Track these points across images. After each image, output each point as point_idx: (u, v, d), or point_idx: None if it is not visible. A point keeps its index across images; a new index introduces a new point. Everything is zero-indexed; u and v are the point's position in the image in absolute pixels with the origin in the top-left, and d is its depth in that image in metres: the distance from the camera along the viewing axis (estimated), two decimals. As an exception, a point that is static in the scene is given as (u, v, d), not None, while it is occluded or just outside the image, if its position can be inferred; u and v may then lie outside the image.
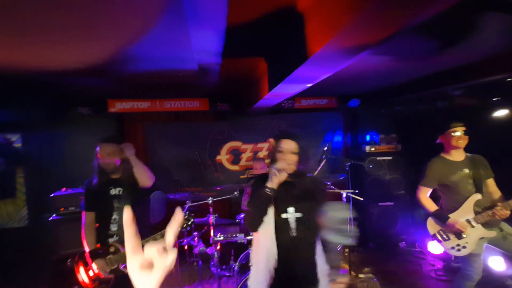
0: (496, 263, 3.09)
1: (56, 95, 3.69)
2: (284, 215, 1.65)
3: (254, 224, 1.67)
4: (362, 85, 4.13)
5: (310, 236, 1.67)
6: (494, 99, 3.48)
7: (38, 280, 3.59)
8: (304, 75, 2.02)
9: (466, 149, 2.57)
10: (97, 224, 2.27)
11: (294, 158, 1.64)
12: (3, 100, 3.35)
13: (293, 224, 1.64)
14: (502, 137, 3.35)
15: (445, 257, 3.82)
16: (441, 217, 2.52)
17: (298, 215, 1.66)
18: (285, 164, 1.61)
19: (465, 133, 2.49)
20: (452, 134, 2.49)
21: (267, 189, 1.59)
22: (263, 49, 2.32)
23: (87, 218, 2.26)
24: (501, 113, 3.44)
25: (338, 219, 1.43)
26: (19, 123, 3.90)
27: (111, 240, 2.22)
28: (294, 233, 1.63)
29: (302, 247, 1.65)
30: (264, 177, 1.71)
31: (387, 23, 1.12)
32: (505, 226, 2.51)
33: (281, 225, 1.64)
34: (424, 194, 2.61)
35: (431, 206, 2.57)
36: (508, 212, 2.31)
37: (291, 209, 1.66)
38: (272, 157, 1.71)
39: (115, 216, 2.22)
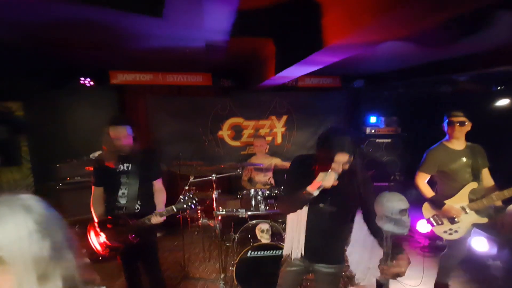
0: (479, 244, 3.31)
1: (57, 64, 3.62)
2: (321, 205, 1.73)
3: (287, 212, 1.82)
4: (367, 66, 4.09)
5: (341, 225, 1.81)
6: (497, 88, 3.51)
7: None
8: (315, 61, 2.01)
9: (467, 137, 2.60)
10: (105, 197, 2.36)
11: (345, 167, 1.59)
12: (4, 68, 3.28)
13: (326, 215, 1.73)
14: (503, 126, 3.41)
15: (431, 236, 4.06)
16: (437, 203, 2.60)
17: (333, 208, 1.72)
18: (333, 180, 1.54)
19: (463, 123, 2.51)
20: (450, 122, 2.53)
21: (308, 193, 1.57)
22: (273, 31, 2.27)
23: (96, 191, 2.34)
24: (503, 102, 3.48)
25: (395, 210, 1.43)
26: (20, 91, 3.84)
27: (120, 213, 2.33)
28: (327, 222, 1.73)
29: (332, 231, 1.78)
30: (307, 160, 1.74)
31: (412, 24, 1.12)
32: (493, 213, 2.64)
33: (316, 212, 1.74)
34: (422, 180, 2.66)
35: (428, 192, 2.64)
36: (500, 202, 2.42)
37: (328, 199, 1.72)
38: (322, 162, 1.62)
39: (123, 190, 2.30)
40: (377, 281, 2.59)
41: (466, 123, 2.52)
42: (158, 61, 3.52)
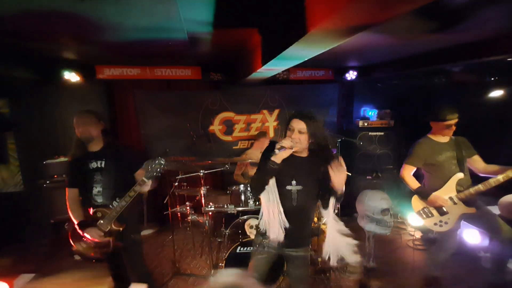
0: (471, 236, 3.30)
1: (42, 59, 3.52)
2: (288, 187, 1.79)
3: (256, 191, 1.83)
4: (359, 58, 4.01)
5: (308, 205, 1.85)
6: (491, 79, 3.45)
7: (37, 243, 3.75)
8: (299, 53, 1.94)
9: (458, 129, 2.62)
10: (80, 198, 2.28)
11: (301, 137, 1.72)
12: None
13: (294, 195, 1.79)
14: (497, 116, 3.39)
15: (424, 228, 4.04)
16: (423, 193, 2.63)
17: (299, 187, 1.79)
18: (290, 142, 1.69)
19: (456, 124, 2.54)
20: (446, 124, 2.54)
21: (271, 163, 1.70)
22: (257, 21, 2.19)
23: (70, 193, 2.27)
24: (497, 93, 3.44)
25: (376, 209, 1.38)
26: (5, 88, 3.75)
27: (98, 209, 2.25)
28: (295, 202, 1.79)
29: (300, 214, 1.84)
30: (271, 145, 1.81)
31: (390, 6, 1.06)
32: (481, 204, 2.64)
33: (285, 195, 1.80)
34: (408, 172, 2.70)
35: (414, 183, 2.67)
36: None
37: (294, 182, 1.79)
38: (283, 132, 1.82)
39: (98, 188, 2.22)
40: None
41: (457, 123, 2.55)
42: (144, 55, 3.43)
